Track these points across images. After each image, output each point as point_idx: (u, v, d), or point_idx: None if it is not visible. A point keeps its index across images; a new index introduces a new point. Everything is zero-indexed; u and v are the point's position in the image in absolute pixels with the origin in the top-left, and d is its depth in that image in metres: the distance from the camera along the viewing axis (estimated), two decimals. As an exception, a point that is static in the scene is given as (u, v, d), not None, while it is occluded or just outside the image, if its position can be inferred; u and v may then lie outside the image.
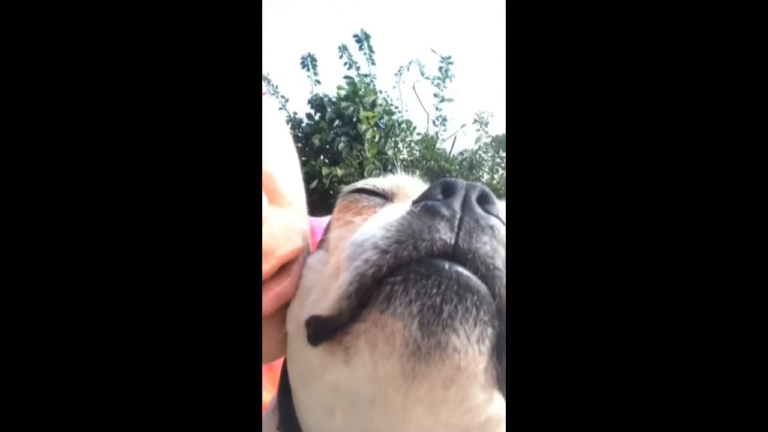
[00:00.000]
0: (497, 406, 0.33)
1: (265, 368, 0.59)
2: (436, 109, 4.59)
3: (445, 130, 4.65)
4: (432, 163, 3.99)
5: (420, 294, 0.30)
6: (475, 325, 0.30)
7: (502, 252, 0.31)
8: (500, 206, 0.34)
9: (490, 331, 0.30)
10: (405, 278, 0.30)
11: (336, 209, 0.45)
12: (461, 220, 0.32)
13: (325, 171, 3.70)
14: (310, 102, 4.14)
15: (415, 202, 0.34)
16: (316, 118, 4.13)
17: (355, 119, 3.69)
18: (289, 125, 4.26)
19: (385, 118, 3.89)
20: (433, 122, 4.63)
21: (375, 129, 3.81)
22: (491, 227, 0.32)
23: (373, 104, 3.82)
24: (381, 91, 4.20)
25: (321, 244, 0.45)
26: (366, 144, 3.68)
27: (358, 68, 4.15)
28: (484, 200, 0.33)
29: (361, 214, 0.43)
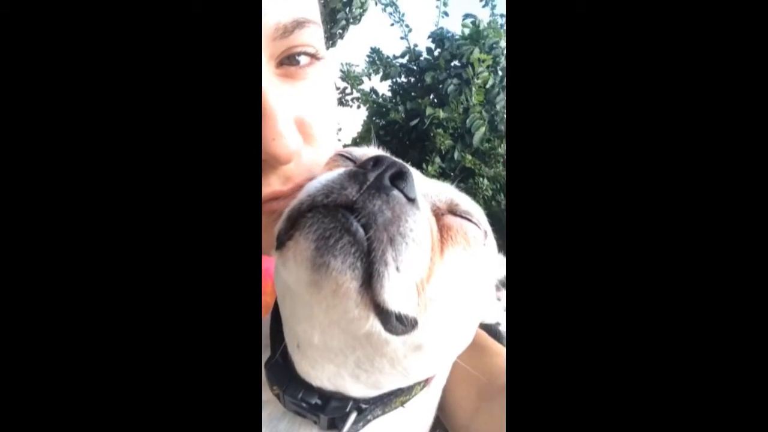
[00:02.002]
0: (375, 325, 0.43)
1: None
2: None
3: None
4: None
5: (319, 227, 0.42)
6: (348, 256, 0.41)
7: (387, 213, 0.42)
8: (419, 184, 0.48)
9: (359, 264, 0.41)
10: (314, 215, 0.43)
11: (325, 163, 0.59)
12: (369, 185, 0.43)
13: (429, 111, 3.58)
14: (431, 36, 3.95)
15: (352, 167, 0.46)
16: (435, 53, 3.95)
17: (467, 61, 3.46)
18: (407, 57, 4.15)
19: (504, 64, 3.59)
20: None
21: (488, 73, 3.54)
22: (387, 195, 0.43)
23: (492, 47, 3.52)
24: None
25: None
26: (474, 89, 3.45)
27: (494, 6, 3.82)
28: (397, 177, 0.44)
29: (331, 170, 0.56)
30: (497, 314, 0.68)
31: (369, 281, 0.42)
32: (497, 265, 0.60)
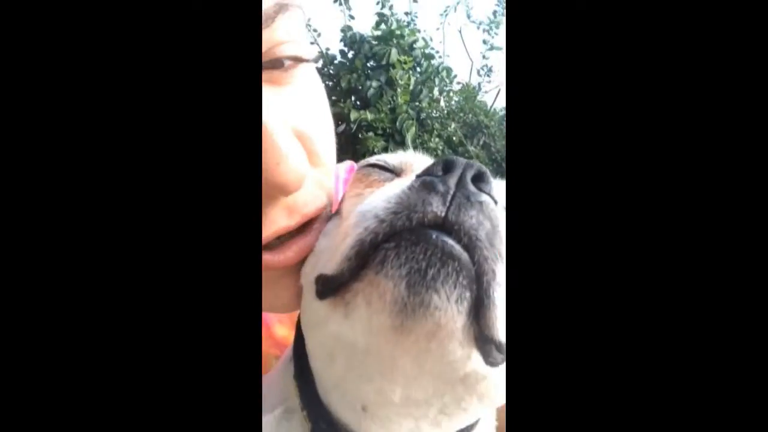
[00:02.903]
0: (475, 362, 0.37)
1: (284, 317, 0.70)
2: (483, 57, 4.31)
3: (489, 81, 4.38)
4: (470, 116, 3.77)
5: (408, 259, 0.34)
6: (455, 287, 0.34)
7: (487, 225, 0.36)
8: (497, 184, 0.40)
9: (467, 294, 0.34)
10: (397, 245, 0.35)
11: (350, 181, 0.50)
12: (453, 195, 0.36)
13: (353, 115, 3.55)
14: (342, 39, 3.91)
15: (417, 177, 0.38)
16: (350, 56, 3.92)
17: (386, 62, 3.48)
18: (320, 63, 4.07)
19: (424, 64, 3.65)
20: (477, 72, 4.36)
21: (410, 74, 3.58)
22: (480, 203, 0.36)
23: (412, 47, 3.57)
24: (420, 31, 3.92)
25: (336, 212, 0.49)
26: (399, 90, 3.48)
27: (391, 7, 3.84)
28: (478, 179, 0.37)
29: (371, 186, 0.48)
30: None
31: (478, 313, 0.35)
32: None
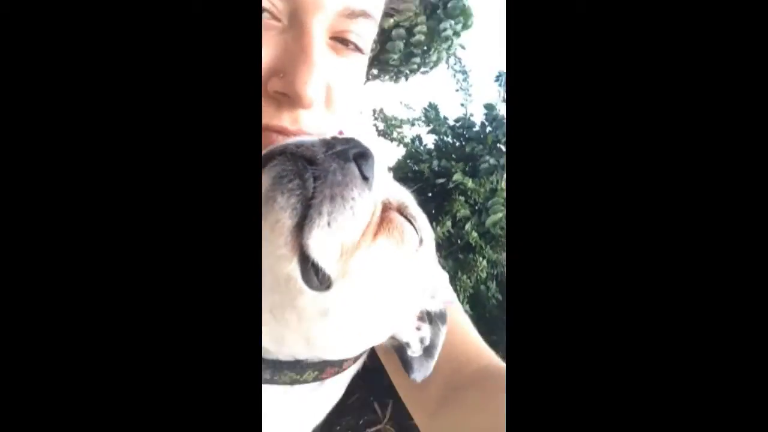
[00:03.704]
0: (293, 270, 0.49)
1: None
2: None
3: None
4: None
5: (279, 167, 0.51)
6: (292, 196, 0.48)
7: (338, 177, 0.50)
8: (381, 176, 0.55)
9: (299, 206, 0.48)
10: (281, 158, 0.52)
11: None
12: (334, 152, 0.52)
13: (456, 177, 3.71)
14: (486, 114, 4.14)
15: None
16: (487, 130, 4.12)
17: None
18: (460, 123, 4.33)
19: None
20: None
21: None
22: (344, 163, 0.51)
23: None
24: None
25: None
26: (506, 176, 3.59)
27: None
28: (360, 156, 0.52)
29: None
30: (412, 338, 0.65)
31: (301, 224, 0.48)
32: (428, 282, 0.63)
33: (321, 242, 0.47)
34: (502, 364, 0.65)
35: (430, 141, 4.37)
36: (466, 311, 0.70)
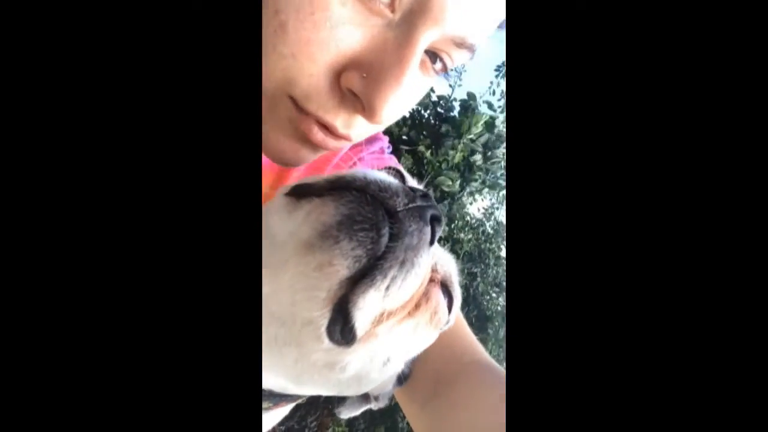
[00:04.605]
0: (322, 318, 0.42)
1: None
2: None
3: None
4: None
5: (355, 208, 0.42)
6: (361, 247, 0.40)
7: (414, 240, 0.43)
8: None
9: (364, 260, 0.41)
10: (358, 196, 0.42)
11: None
12: (414, 207, 0.44)
13: (420, 148, 3.83)
14: (461, 101, 4.26)
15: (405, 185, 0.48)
16: (458, 116, 4.24)
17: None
18: (441, 101, 4.43)
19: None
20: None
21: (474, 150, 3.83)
22: (423, 226, 0.44)
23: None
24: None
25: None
26: (458, 152, 3.73)
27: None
28: (436, 219, 0.45)
29: None
30: (384, 394, 0.61)
31: (358, 280, 0.40)
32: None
33: (370, 304, 0.41)
34: (491, 360, 0.64)
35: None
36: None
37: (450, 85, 4.49)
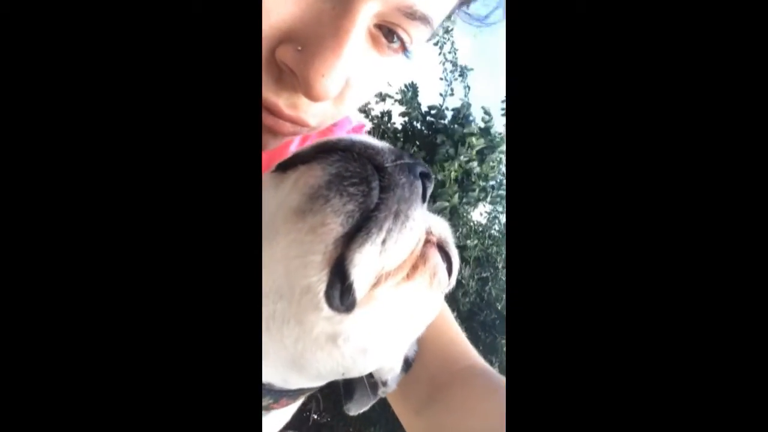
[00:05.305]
0: (320, 282, 0.40)
1: None
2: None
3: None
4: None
5: (342, 166, 0.41)
6: (352, 201, 0.40)
7: (407, 193, 0.43)
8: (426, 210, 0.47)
9: (357, 214, 0.40)
10: (344, 155, 0.42)
11: None
12: (404, 163, 0.44)
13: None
14: (454, 110, 4.27)
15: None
16: (453, 127, 4.25)
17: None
18: (434, 112, 4.43)
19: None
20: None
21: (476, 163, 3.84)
22: (414, 180, 0.44)
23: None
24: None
25: None
26: (453, 170, 3.74)
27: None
28: (426, 176, 0.45)
29: None
30: (392, 377, 0.58)
31: (353, 235, 0.39)
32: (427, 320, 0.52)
33: (367, 261, 0.39)
34: (486, 365, 0.63)
35: (399, 122, 4.42)
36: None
37: (441, 94, 4.50)
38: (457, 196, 3.77)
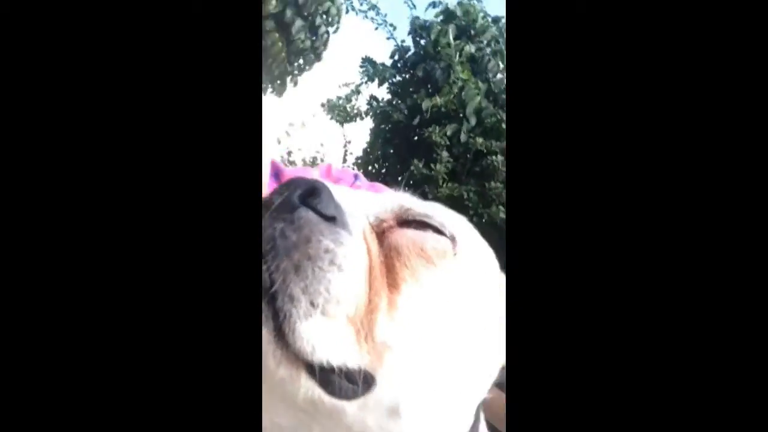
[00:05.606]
0: (311, 387, 0.35)
1: None
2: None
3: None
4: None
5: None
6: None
7: (292, 236, 0.36)
8: (352, 201, 0.41)
9: (264, 305, 0.34)
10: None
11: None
12: (273, 209, 0.37)
13: (426, 104, 3.51)
14: (410, 31, 3.93)
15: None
16: (422, 43, 3.89)
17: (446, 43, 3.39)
18: (396, 55, 4.11)
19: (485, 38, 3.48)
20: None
21: (464, 45, 3.48)
22: (291, 215, 0.36)
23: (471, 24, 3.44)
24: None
25: None
26: (459, 67, 3.36)
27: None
28: (307, 194, 0.37)
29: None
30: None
31: (279, 326, 0.33)
32: (492, 282, 0.45)
33: (319, 336, 0.34)
34: None
35: (384, 93, 4.22)
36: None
37: (388, 38, 4.20)
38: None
